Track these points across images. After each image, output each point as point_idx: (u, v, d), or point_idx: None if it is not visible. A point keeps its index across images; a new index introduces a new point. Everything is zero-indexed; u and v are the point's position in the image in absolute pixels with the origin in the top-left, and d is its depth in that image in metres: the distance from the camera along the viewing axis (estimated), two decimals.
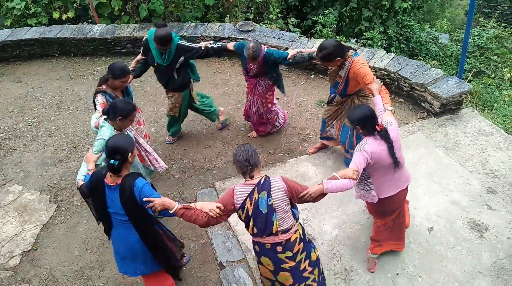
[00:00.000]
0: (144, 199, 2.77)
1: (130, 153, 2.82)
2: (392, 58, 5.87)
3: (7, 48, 7.36)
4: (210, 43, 4.66)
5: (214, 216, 2.83)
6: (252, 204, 2.83)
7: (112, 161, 2.74)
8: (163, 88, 4.93)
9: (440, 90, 5.25)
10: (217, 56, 5.00)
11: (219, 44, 4.69)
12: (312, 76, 6.47)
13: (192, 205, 2.86)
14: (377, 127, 3.09)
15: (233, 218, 4.27)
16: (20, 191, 4.86)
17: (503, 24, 11.91)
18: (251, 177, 2.89)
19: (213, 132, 5.56)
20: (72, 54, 7.42)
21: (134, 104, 3.53)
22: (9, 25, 8.18)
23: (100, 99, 3.85)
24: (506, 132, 5.13)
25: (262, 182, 2.85)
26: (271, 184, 2.86)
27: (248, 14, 8.36)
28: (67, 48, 7.36)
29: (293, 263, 2.95)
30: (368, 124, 3.10)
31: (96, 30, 7.28)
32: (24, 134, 5.77)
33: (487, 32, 10.50)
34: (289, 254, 2.93)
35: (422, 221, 4.14)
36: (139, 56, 4.63)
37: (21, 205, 4.68)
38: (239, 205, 2.87)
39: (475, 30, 10.83)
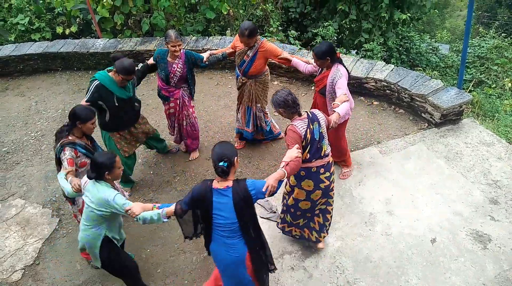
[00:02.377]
0: (263, 189, 2.89)
1: (235, 158, 2.89)
2: (392, 69, 5.91)
3: (11, 63, 7.45)
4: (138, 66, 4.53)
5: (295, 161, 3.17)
6: (310, 134, 3.39)
7: (221, 164, 2.81)
8: (131, 127, 4.55)
9: (440, 101, 5.27)
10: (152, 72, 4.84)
11: (141, 63, 4.69)
12: (312, 88, 6.51)
13: (283, 161, 3.14)
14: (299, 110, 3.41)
15: None
16: (22, 205, 4.88)
17: (502, 34, 11.99)
18: (300, 115, 3.43)
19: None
20: (75, 68, 7.50)
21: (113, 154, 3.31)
22: (13, 40, 8.31)
23: (68, 153, 3.49)
24: (508, 142, 5.13)
25: (311, 116, 3.44)
26: (317, 116, 3.48)
27: None
28: (70, 62, 7.44)
29: (327, 183, 3.58)
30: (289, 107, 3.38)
31: (99, 44, 7.37)
32: (27, 148, 5.81)
33: (487, 42, 10.57)
34: (328, 174, 3.56)
35: (424, 232, 4.13)
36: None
37: (24, 219, 4.70)
38: (303, 137, 3.36)
39: (475, 41, 10.91)
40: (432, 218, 4.25)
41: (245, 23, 4.46)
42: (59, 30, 8.29)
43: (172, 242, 4.28)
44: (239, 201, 2.84)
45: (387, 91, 5.83)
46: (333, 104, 3.75)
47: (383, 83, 5.81)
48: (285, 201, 3.87)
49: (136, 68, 4.42)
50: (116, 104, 4.17)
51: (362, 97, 6.11)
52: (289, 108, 3.39)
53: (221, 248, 3.00)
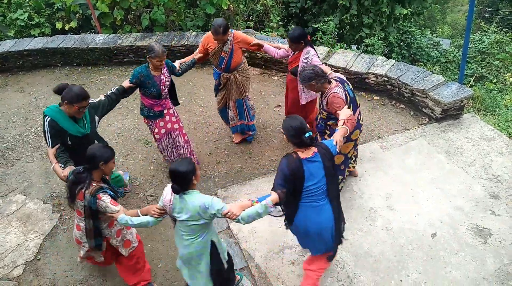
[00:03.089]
0: (333, 142, 3.23)
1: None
2: (393, 65, 5.89)
3: (10, 59, 7.43)
4: (108, 92, 4.14)
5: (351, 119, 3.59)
6: (348, 94, 3.81)
7: (307, 135, 2.99)
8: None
9: (441, 96, 5.26)
10: (125, 97, 4.36)
11: (116, 87, 4.21)
12: None
13: (341, 119, 3.49)
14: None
15: (237, 226, 4.28)
16: (23, 200, 4.88)
17: (504, 29, 11.93)
18: (330, 82, 3.78)
19: (214, 140, 5.57)
20: (75, 64, 7.48)
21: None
22: (12, 36, 8.29)
23: (106, 197, 3.12)
24: (509, 137, 5.12)
25: (339, 80, 3.84)
26: (341, 77, 3.92)
27: (249, 22, 8.43)
28: (70, 58, 7.42)
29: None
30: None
31: (99, 39, 7.34)
32: (28, 144, 5.80)
33: (488, 37, 10.52)
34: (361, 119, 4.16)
35: (425, 227, 4.13)
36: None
37: (25, 214, 4.70)
38: (345, 99, 3.75)
39: (476, 35, 10.85)
40: (433, 213, 4.25)
41: (216, 20, 4.41)
42: (59, 25, 8.26)
43: (172, 238, 4.27)
44: (327, 161, 3.07)
45: (388, 86, 5.82)
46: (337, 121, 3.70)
47: (384, 78, 5.80)
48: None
49: (110, 91, 4.10)
50: (69, 142, 3.64)
51: (362, 92, 6.09)
52: (320, 77, 3.71)
53: (311, 213, 3.14)
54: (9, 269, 4.12)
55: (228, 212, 2.82)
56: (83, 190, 3.06)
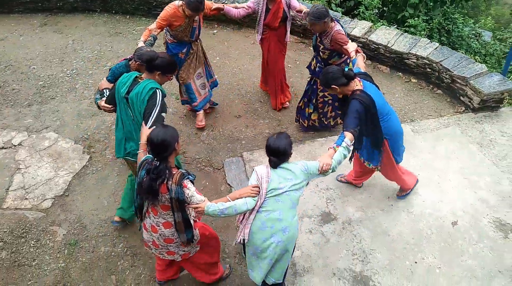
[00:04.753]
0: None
1: None
2: (436, 48, 5.71)
3: None
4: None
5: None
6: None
7: (346, 68, 3.28)
8: None
9: (481, 85, 5.11)
10: None
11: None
12: None
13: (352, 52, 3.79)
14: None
15: None
16: (55, 138, 5.03)
17: None
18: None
19: (245, 103, 5.58)
20: (114, 11, 7.48)
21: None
22: None
23: (191, 185, 2.82)
24: None
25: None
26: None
27: None
28: (109, 4, 7.41)
29: None
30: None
31: None
32: (62, 85, 5.92)
33: None
34: None
35: (447, 214, 4.12)
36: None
37: (56, 152, 4.86)
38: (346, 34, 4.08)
39: None
40: (456, 202, 4.22)
41: None
42: None
43: None
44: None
45: (428, 70, 5.67)
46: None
47: (425, 60, 5.64)
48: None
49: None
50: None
51: (400, 73, 5.96)
52: (329, 16, 3.99)
53: (394, 119, 3.60)
54: (38, 200, 4.31)
55: (323, 165, 2.91)
56: (165, 182, 2.71)
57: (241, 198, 2.84)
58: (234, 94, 5.72)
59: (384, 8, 8.81)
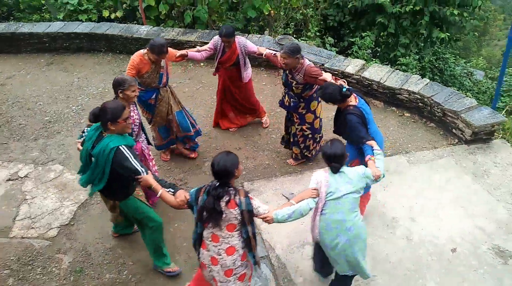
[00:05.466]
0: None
1: None
2: (427, 84, 6.00)
3: (58, 40, 7.80)
4: None
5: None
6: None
7: (344, 89, 3.61)
8: None
9: (472, 119, 5.34)
10: None
11: None
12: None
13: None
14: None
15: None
16: (61, 170, 5.14)
17: None
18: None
19: (244, 136, 5.75)
20: (118, 51, 7.81)
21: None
22: (61, 19, 8.69)
23: (256, 199, 3.05)
24: None
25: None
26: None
27: (287, 29, 8.65)
28: (114, 45, 7.75)
29: None
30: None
31: (143, 30, 7.66)
32: (68, 120, 6.10)
33: None
34: None
35: (446, 241, 4.21)
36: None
37: (61, 183, 4.96)
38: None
39: (511, 69, 10.83)
40: (455, 229, 4.33)
41: (157, 40, 4.32)
42: (105, 13, 8.64)
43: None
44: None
45: (420, 104, 5.92)
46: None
47: (416, 95, 5.91)
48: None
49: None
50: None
51: (394, 108, 6.21)
52: (300, 53, 4.32)
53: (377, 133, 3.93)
54: (44, 229, 4.38)
55: (376, 174, 3.26)
56: (232, 199, 2.86)
57: (303, 200, 3.12)
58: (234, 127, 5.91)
59: (377, 48, 9.25)
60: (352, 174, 3.18)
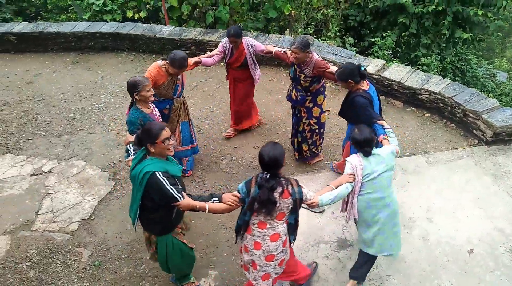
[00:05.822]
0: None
1: None
2: (448, 84, 5.93)
3: (83, 39, 8.03)
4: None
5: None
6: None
7: (362, 68, 3.85)
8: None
9: (494, 119, 5.25)
10: None
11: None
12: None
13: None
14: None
15: None
16: (83, 166, 5.30)
17: None
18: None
19: (262, 135, 5.80)
20: (141, 51, 7.98)
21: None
22: (86, 19, 8.93)
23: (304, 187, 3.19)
24: None
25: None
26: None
27: (307, 29, 8.66)
28: (137, 44, 7.93)
29: None
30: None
31: (166, 30, 7.80)
32: (91, 117, 6.28)
33: None
34: None
35: (462, 243, 4.16)
36: None
37: (83, 178, 5.12)
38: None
39: None
40: (472, 231, 4.27)
41: (177, 53, 4.29)
42: (129, 14, 8.84)
43: (215, 217, 4.52)
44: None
45: (440, 104, 5.85)
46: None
47: (437, 95, 5.84)
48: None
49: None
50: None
51: (413, 108, 6.15)
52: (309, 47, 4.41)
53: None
54: (66, 223, 4.52)
55: (396, 150, 3.50)
56: (286, 189, 2.94)
57: (341, 184, 3.33)
58: (254, 126, 5.97)
59: (398, 49, 9.14)
60: (384, 154, 3.38)
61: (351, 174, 3.35)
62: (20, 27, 8.09)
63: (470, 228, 4.30)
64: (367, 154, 3.34)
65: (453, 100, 5.66)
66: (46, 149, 5.63)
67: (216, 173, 5.18)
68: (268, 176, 2.93)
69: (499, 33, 11.36)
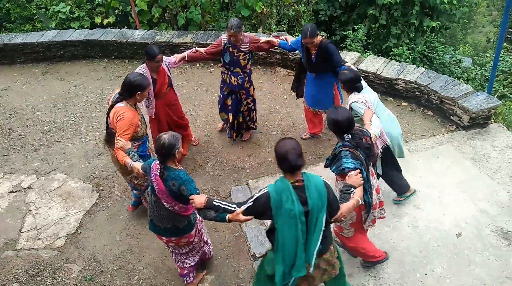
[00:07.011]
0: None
1: None
2: (423, 72, 6.06)
3: (52, 48, 7.80)
4: None
5: None
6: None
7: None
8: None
9: (469, 104, 5.40)
10: None
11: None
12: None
13: None
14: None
15: None
16: (64, 179, 5.15)
17: None
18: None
19: None
20: (113, 57, 7.81)
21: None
22: (53, 27, 8.67)
23: None
24: None
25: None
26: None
27: (280, 26, 8.69)
28: (108, 50, 7.75)
29: None
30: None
31: (138, 35, 7.66)
32: (68, 128, 6.10)
33: (511, 57, 10.58)
34: None
35: (450, 226, 4.27)
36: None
37: (65, 192, 4.97)
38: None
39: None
40: (458, 214, 4.39)
41: (136, 77, 3.74)
42: (97, 20, 8.62)
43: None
44: None
45: (417, 93, 5.98)
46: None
47: (413, 84, 5.96)
48: None
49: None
50: None
51: (391, 98, 6.26)
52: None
53: None
54: (51, 240, 4.38)
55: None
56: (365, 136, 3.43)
57: (368, 117, 3.75)
58: None
59: (369, 41, 9.30)
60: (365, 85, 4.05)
61: (368, 109, 3.77)
62: None
63: (456, 212, 4.41)
64: (360, 88, 3.89)
65: (429, 88, 5.80)
66: (23, 165, 5.44)
67: (203, 176, 5.13)
68: (358, 133, 3.31)
69: (465, 20, 11.72)
